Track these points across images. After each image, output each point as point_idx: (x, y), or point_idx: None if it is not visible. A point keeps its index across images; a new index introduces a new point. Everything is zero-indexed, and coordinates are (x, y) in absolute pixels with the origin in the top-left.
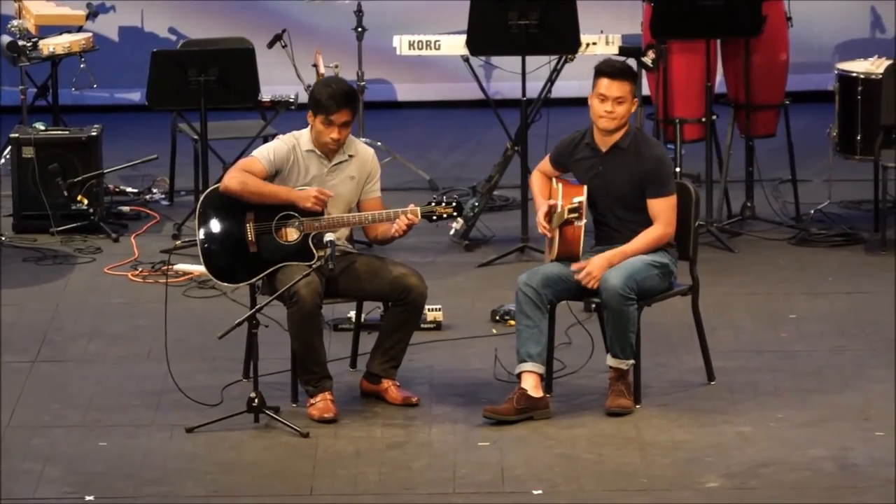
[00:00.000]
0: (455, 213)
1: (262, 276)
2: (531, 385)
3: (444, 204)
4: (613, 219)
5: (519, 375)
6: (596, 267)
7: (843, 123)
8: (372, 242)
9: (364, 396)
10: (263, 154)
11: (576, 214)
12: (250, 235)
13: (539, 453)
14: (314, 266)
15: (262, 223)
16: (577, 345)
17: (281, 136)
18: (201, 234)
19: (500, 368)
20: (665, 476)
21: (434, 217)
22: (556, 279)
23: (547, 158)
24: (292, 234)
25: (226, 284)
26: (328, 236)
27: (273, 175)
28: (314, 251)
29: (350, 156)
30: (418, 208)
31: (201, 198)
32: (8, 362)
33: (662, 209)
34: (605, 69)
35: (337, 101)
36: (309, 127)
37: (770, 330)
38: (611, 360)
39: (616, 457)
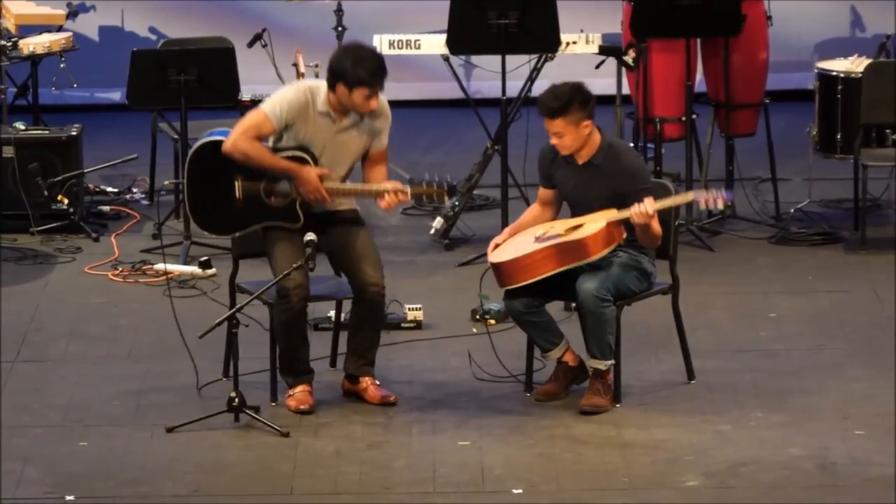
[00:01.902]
0: (447, 195)
1: (246, 231)
2: (569, 359)
3: (436, 188)
4: None
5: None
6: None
7: (823, 122)
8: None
9: (346, 396)
10: (274, 110)
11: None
12: (238, 192)
13: (519, 453)
14: (295, 266)
15: (251, 182)
16: None
17: (295, 85)
18: (189, 182)
19: (477, 368)
20: (645, 475)
21: (423, 199)
22: (537, 287)
23: (540, 186)
24: (279, 198)
25: (209, 234)
26: (308, 236)
27: (283, 129)
28: (300, 214)
29: (362, 116)
30: (408, 188)
31: (194, 146)
32: None
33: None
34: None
35: (379, 75)
36: (327, 87)
37: (750, 329)
38: (590, 361)
39: (596, 456)
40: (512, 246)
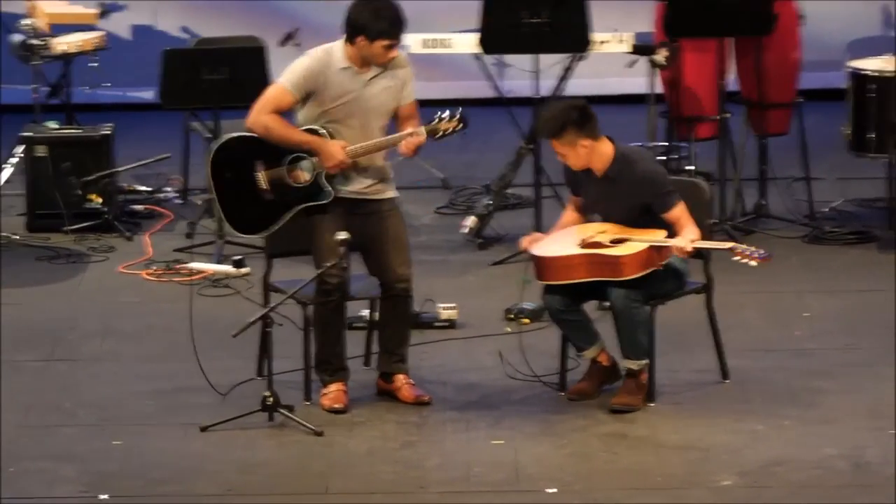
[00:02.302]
0: (461, 126)
1: (284, 220)
2: (603, 359)
3: (447, 118)
4: None
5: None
6: (686, 242)
7: (856, 121)
8: None
9: (380, 395)
10: (292, 80)
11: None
12: (264, 184)
13: (553, 452)
14: (328, 266)
15: (273, 170)
16: None
17: (310, 52)
18: (217, 191)
19: (513, 367)
20: (678, 475)
21: (439, 134)
22: (574, 287)
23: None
24: (304, 175)
25: (250, 236)
26: (341, 235)
27: (305, 98)
28: (327, 189)
29: (384, 67)
30: (423, 127)
31: (210, 156)
32: (21, 361)
33: (680, 215)
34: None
35: (399, 25)
36: (343, 43)
37: (783, 328)
38: (622, 361)
39: (629, 456)
40: (557, 241)
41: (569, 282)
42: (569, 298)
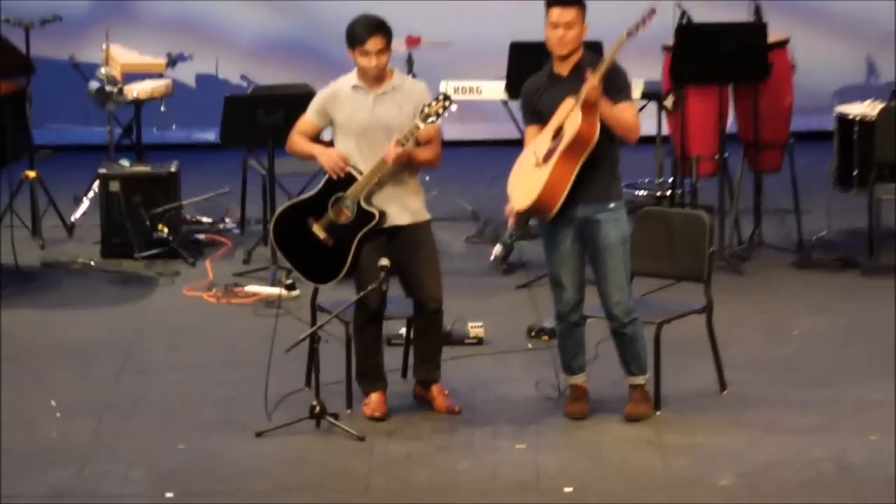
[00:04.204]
0: (448, 102)
1: (352, 258)
2: (585, 383)
3: (433, 103)
4: None
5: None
6: (592, 77)
7: (842, 160)
8: None
9: (416, 400)
10: (311, 106)
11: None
12: (321, 234)
13: (570, 455)
14: (371, 288)
15: (322, 218)
16: (603, 357)
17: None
18: (288, 261)
19: (540, 382)
20: (683, 476)
21: (432, 118)
22: (579, 287)
23: (526, 126)
24: (348, 211)
25: (330, 283)
26: (382, 261)
27: (327, 123)
28: (371, 210)
29: (393, 87)
30: (418, 120)
31: (270, 236)
32: (96, 372)
33: (625, 108)
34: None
35: (368, 29)
36: (355, 67)
37: (776, 344)
38: (628, 378)
39: (638, 458)
40: (524, 187)
41: (569, 186)
42: (578, 293)
